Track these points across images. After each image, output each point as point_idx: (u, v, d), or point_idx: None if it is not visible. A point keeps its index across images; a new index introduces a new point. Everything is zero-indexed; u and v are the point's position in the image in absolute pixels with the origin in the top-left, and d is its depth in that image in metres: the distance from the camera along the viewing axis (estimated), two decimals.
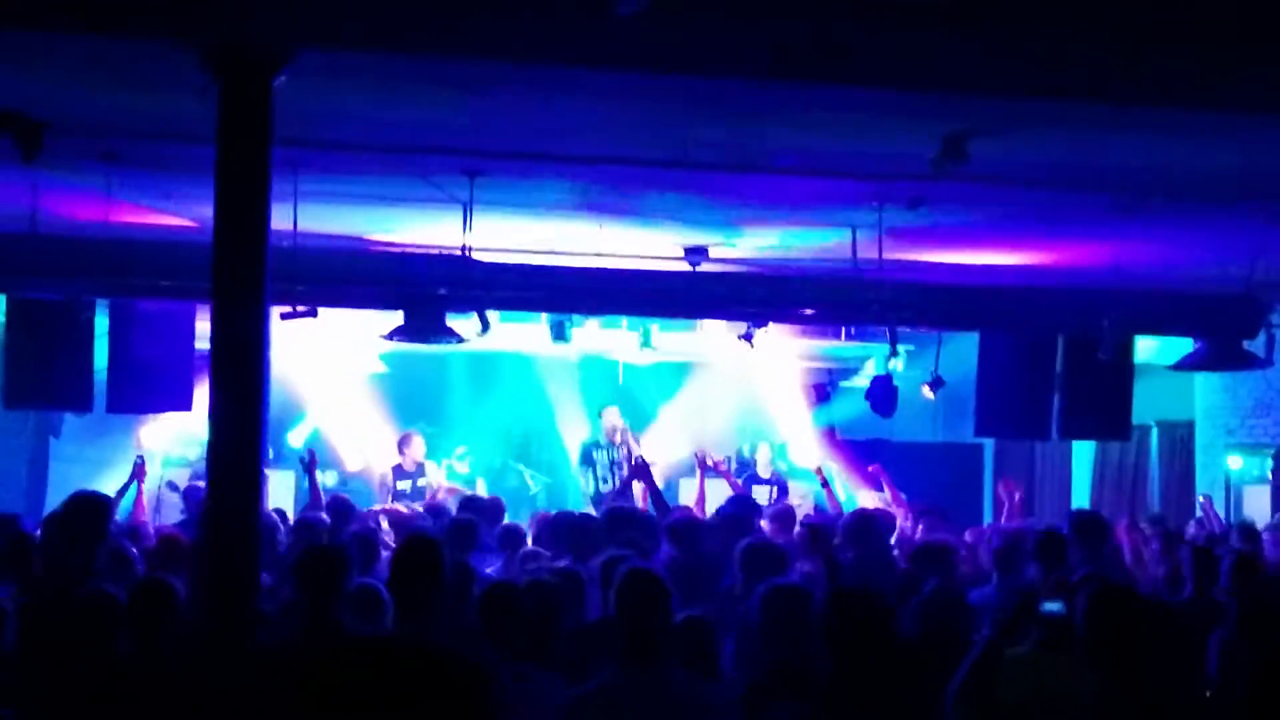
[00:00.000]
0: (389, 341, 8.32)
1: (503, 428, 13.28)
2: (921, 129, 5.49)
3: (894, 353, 8.71)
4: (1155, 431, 12.28)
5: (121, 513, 7.79)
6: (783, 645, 4.31)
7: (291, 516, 8.25)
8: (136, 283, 7.85)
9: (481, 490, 10.61)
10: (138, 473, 8.28)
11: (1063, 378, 9.47)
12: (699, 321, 10.89)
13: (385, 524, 7.76)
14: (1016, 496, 8.72)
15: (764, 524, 7.69)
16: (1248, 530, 7.83)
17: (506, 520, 7.91)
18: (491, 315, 8.09)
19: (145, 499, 8.50)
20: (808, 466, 10.62)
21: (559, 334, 9.58)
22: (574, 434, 12.41)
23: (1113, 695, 3.90)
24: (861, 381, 11.41)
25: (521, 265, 8.27)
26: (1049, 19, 4.41)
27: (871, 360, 11.96)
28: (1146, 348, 9.92)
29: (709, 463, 9.43)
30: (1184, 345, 9.20)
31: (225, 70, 4.44)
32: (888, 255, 7.98)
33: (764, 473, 11.05)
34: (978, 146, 5.56)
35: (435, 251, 7.93)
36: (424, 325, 7.90)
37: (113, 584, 4.83)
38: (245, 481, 4.43)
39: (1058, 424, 9.56)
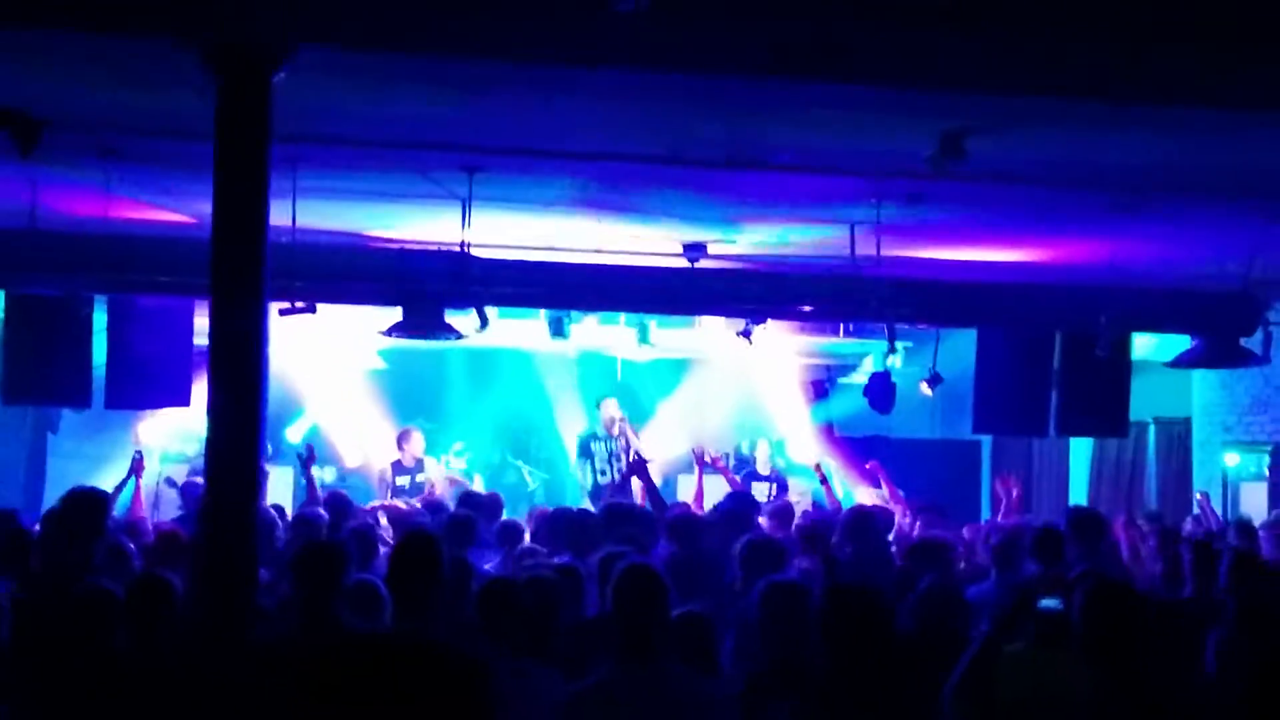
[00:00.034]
0: (387, 337, 8.31)
1: (501, 424, 13.28)
2: (920, 127, 5.50)
3: (892, 349, 8.71)
4: (1153, 428, 12.29)
5: (120, 508, 7.80)
6: (781, 641, 4.31)
7: (290, 512, 8.25)
8: (135, 279, 7.84)
9: (479, 487, 10.61)
10: (136, 468, 8.28)
11: (1060, 374, 9.48)
12: (697, 318, 10.89)
13: (384, 520, 7.77)
14: (1014, 493, 8.73)
15: (762, 521, 7.70)
16: (1244, 527, 7.83)
17: (505, 516, 7.92)
18: (490, 311, 8.08)
19: (143, 495, 8.51)
20: (807, 463, 10.62)
21: (557, 330, 9.58)
22: (572, 430, 12.41)
23: (1109, 692, 3.91)
24: (860, 378, 11.40)
25: (520, 261, 8.27)
26: (1049, 19, 4.41)
27: (870, 357, 11.95)
28: (1144, 345, 9.92)
29: (707, 459, 9.43)
30: (1181, 342, 9.20)
31: (225, 67, 4.44)
32: (886, 252, 7.99)
33: (763, 469, 11.05)
34: (976, 144, 5.57)
35: (434, 248, 7.93)
36: (423, 321, 7.90)
37: (110, 580, 4.83)
38: (243, 477, 4.44)
39: (1055, 420, 9.57)
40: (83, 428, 11.29)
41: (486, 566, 6.24)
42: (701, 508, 8.40)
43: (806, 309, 8.93)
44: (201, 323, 7.89)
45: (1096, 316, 8.78)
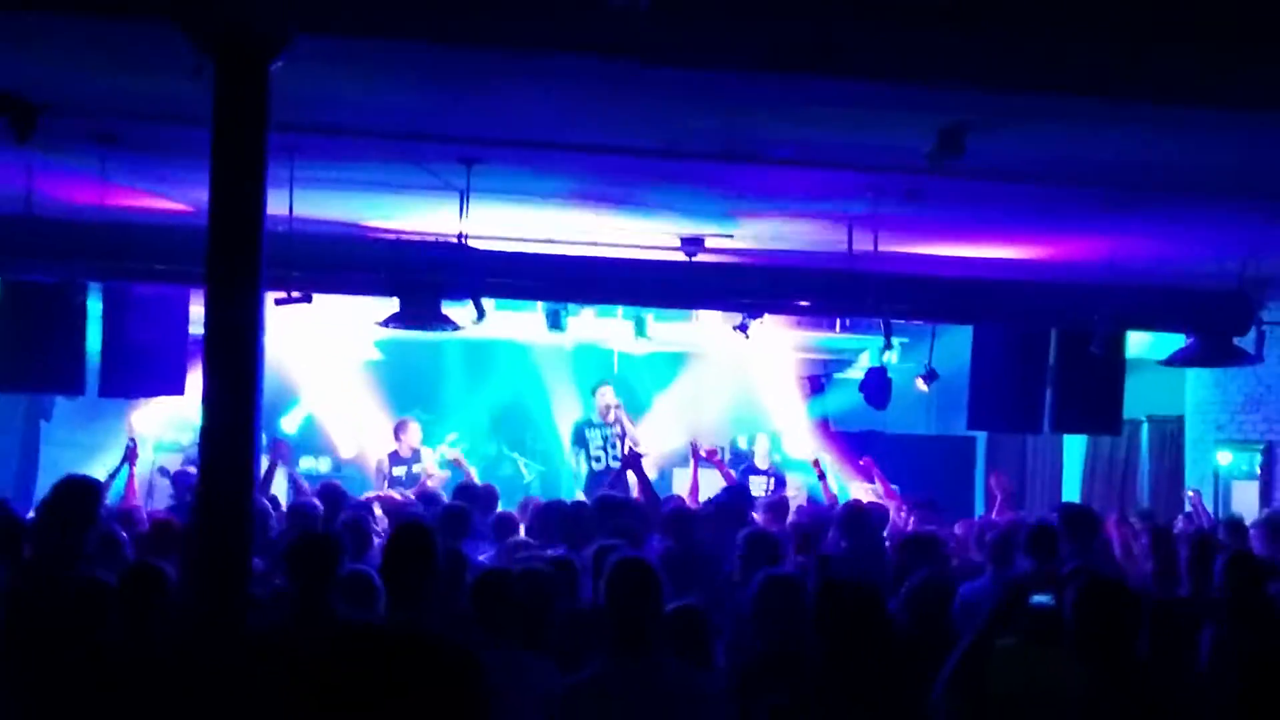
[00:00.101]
0: (384, 328, 8.30)
1: (497, 416, 13.27)
2: (918, 123, 5.49)
3: (888, 345, 8.72)
4: (1146, 426, 12.31)
5: (113, 497, 7.78)
6: (776, 634, 4.32)
7: (284, 503, 8.24)
8: (131, 266, 7.82)
9: (474, 478, 10.59)
10: (129, 457, 8.27)
11: (1055, 371, 9.49)
12: (694, 311, 10.90)
13: (379, 511, 7.76)
14: (1008, 489, 8.75)
15: (756, 515, 7.71)
16: (1236, 525, 7.85)
17: (500, 508, 7.91)
18: (487, 303, 8.06)
19: (137, 484, 8.49)
20: (804, 458, 10.63)
21: (554, 322, 9.57)
22: (568, 422, 12.39)
23: (1101, 689, 3.92)
24: (856, 373, 11.42)
25: (517, 253, 8.27)
26: (1049, 18, 4.40)
27: (866, 352, 11.98)
28: (1138, 343, 9.94)
29: (702, 452, 9.43)
30: (1176, 341, 9.22)
31: (222, 55, 4.43)
32: (883, 248, 7.99)
33: (762, 464, 11.04)
34: (974, 140, 5.56)
35: (431, 239, 7.92)
36: (419, 312, 7.89)
37: (103, 569, 4.82)
38: (238, 467, 4.43)
39: (1049, 417, 9.58)
40: (76, 416, 11.26)
41: (481, 558, 6.24)
42: (696, 501, 8.40)
43: (803, 304, 8.94)
44: (197, 311, 7.87)
45: (1092, 314, 8.79)
